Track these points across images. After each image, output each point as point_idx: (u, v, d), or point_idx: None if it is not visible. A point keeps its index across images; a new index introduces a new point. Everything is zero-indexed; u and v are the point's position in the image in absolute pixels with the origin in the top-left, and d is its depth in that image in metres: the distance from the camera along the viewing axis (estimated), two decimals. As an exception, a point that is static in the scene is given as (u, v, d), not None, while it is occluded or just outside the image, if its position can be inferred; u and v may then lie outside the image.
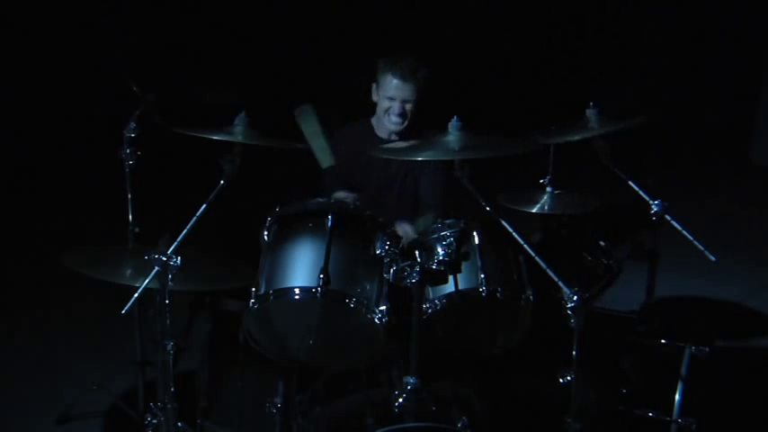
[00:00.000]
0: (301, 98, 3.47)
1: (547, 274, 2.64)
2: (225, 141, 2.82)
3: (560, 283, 2.60)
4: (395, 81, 3.49)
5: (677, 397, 3.19)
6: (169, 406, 2.83)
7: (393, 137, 3.62)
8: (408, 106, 3.52)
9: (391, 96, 3.51)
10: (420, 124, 3.58)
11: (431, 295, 2.88)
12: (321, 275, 2.71)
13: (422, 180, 3.64)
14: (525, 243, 2.72)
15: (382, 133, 3.65)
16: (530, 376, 3.23)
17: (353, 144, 3.60)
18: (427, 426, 2.74)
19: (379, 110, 3.59)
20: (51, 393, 4.01)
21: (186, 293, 3.42)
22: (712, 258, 3.15)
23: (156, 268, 2.64)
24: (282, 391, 3.05)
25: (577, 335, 2.57)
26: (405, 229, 3.39)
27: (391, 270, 2.74)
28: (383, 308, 2.78)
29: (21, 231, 6.02)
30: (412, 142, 3.27)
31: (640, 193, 3.25)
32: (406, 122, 3.55)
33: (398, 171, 3.63)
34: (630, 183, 3.27)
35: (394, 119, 3.54)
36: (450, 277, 2.87)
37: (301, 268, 2.79)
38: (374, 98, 3.61)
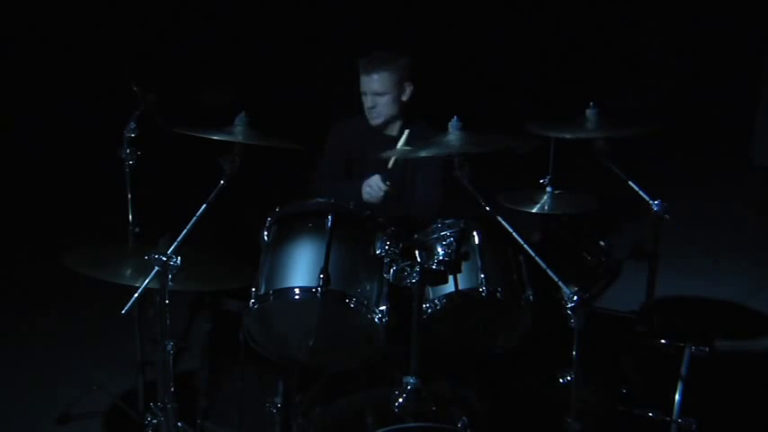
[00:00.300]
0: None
1: (547, 274, 2.64)
2: (225, 141, 2.82)
3: (560, 283, 2.60)
4: (363, 76, 3.51)
5: (677, 397, 3.19)
6: (169, 406, 2.82)
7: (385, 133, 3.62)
8: (380, 98, 3.50)
9: (363, 91, 3.52)
10: (411, 119, 3.58)
11: (431, 295, 2.88)
12: (321, 275, 2.71)
13: (418, 177, 3.63)
14: (525, 243, 2.71)
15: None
16: (530, 376, 3.23)
17: (352, 136, 3.60)
18: (427, 426, 2.74)
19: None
20: (51, 393, 4.01)
21: (186, 293, 3.42)
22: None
23: (156, 268, 2.64)
24: (282, 391, 3.05)
25: (577, 335, 2.57)
26: (374, 182, 3.36)
27: (391, 270, 2.74)
28: (383, 308, 2.78)
29: (21, 231, 6.02)
30: (405, 145, 3.27)
31: (640, 193, 3.25)
32: (381, 116, 3.53)
33: (395, 169, 3.63)
34: (630, 183, 3.26)
35: (367, 113, 3.53)
36: (450, 277, 2.87)
37: (301, 268, 2.79)
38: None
